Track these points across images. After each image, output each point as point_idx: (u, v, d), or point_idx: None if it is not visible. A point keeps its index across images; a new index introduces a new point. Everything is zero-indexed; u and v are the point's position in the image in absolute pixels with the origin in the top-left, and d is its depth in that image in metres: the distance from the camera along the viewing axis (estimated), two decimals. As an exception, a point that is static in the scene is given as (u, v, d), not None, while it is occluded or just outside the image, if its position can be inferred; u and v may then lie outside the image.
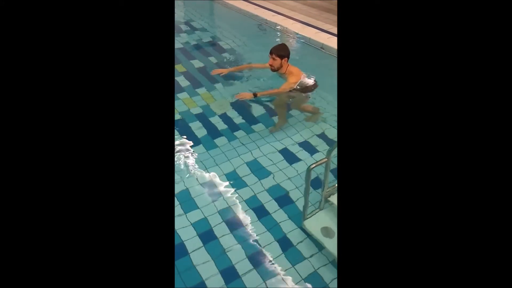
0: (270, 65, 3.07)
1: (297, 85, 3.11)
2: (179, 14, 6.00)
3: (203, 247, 1.97)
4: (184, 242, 1.99)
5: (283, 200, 2.27)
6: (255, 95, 3.00)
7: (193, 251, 1.94)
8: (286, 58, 3.04)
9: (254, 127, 3.01)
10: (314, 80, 3.32)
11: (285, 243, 1.99)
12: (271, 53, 3.04)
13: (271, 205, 2.23)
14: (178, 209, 2.20)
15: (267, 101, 3.24)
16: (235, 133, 2.93)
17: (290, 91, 3.16)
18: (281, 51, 3.03)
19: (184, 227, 2.08)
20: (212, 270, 1.85)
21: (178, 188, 2.36)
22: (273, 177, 2.45)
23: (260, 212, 2.19)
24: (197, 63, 4.17)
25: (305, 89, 3.22)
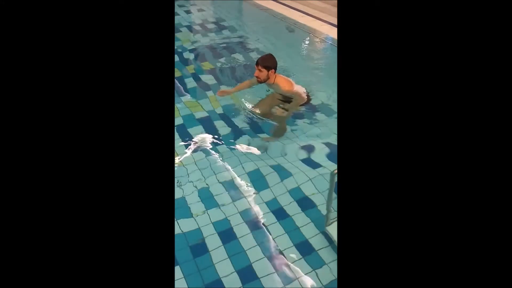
0: (256, 76, 2.93)
1: (288, 94, 2.98)
2: (208, 13, 6.05)
3: (223, 246, 1.97)
4: (205, 239, 2.00)
5: (305, 203, 2.24)
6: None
7: (213, 250, 1.94)
8: (273, 70, 2.89)
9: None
10: (306, 92, 3.14)
11: (306, 247, 1.96)
12: (257, 64, 2.89)
13: (293, 208, 2.21)
14: (200, 206, 2.21)
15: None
16: (259, 134, 2.93)
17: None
18: (267, 62, 2.86)
19: (205, 225, 2.09)
20: (229, 269, 1.85)
21: (200, 185, 2.37)
22: (296, 179, 2.42)
23: (281, 214, 2.17)
24: (224, 62, 4.19)
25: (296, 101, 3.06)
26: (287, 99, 3.05)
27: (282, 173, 2.48)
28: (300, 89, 3.06)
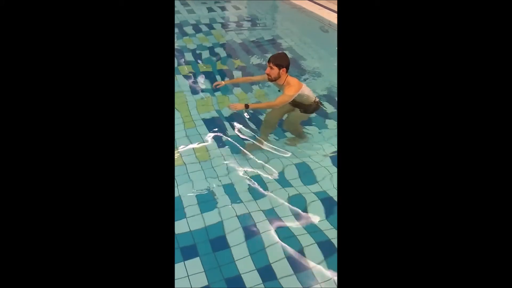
0: (267, 74, 2.85)
1: (296, 98, 2.84)
2: (243, 10, 6.08)
3: (245, 242, 1.98)
4: (227, 235, 2.02)
5: (330, 203, 2.21)
6: (246, 106, 2.76)
7: (234, 246, 1.96)
8: (284, 68, 2.78)
9: (306, 129, 2.97)
10: (316, 98, 3.00)
11: (327, 248, 1.94)
12: (269, 61, 2.80)
13: (318, 209, 2.19)
14: (225, 199, 2.24)
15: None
16: (287, 133, 2.92)
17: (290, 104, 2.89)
18: (279, 60, 2.78)
19: (230, 218, 2.11)
20: (250, 266, 1.85)
21: (224, 181, 2.40)
22: (320, 183, 2.40)
23: (304, 215, 2.15)
24: (255, 60, 4.20)
25: (304, 106, 2.93)
26: (295, 102, 2.92)
27: (308, 173, 2.47)
28: (309, 91, 2.92)
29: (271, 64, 2.80)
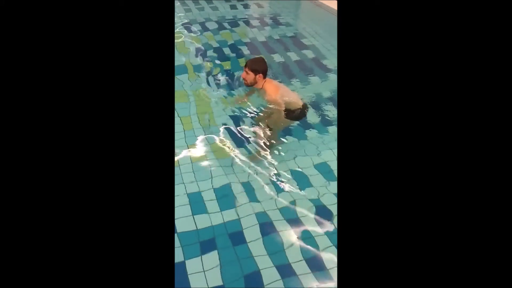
0: (243, 78, 2.80)
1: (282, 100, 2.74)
2: (265, 7, 6.08)
3: (261, 238, 2.00)
4: (244, 230, 2.05)
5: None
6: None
7: (251, 241, 1.99)
8: (261, 74, 2.73)
9: (328, 128, 2.97)
10: (304, 105, 2.87)
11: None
12: (245, 65, 2.76)
13: (335, 209, 2.19)
14: (244, 198, 2.27)
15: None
16: (307, 132, 2.92)
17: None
18: (255, 65, 2.72)
19: (247, 215, 2.14)
20: (268, 262, 1.87)
21: (242, 178, 2.43)
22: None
23: (324, 214, 2.16)
24: (277, 57, 4.20)
25: (288, 112, 2.82)
26: (271, 109, 2.86)
27: (328, 173, 2.46)
28: (290, 97, 2.84)
29: (247, 69, 2.74)
